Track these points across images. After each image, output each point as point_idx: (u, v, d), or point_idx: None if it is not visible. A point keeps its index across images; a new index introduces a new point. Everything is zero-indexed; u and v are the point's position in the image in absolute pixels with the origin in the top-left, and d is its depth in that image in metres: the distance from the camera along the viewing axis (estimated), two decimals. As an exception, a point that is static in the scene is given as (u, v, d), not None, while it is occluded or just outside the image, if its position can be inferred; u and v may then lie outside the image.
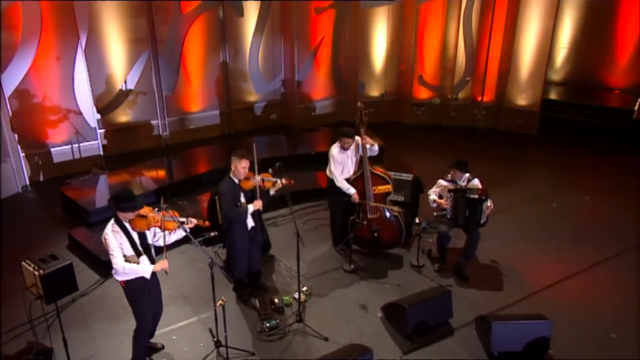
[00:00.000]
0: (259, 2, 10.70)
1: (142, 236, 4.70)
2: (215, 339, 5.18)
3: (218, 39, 10.50)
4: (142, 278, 4.69)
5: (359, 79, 11.55)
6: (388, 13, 11.26)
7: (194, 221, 4.87)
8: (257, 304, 5.92)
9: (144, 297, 4.88)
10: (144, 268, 4.65)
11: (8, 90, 8.36)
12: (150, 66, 9.93)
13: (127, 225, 4.62)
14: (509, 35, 10.93)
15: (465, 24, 11.00)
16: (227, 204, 5.55)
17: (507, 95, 11.36)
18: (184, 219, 4.79)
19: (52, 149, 9.02)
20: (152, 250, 4.84)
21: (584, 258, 6.84)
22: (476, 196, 6.28)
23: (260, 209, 5.70)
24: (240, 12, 10.62)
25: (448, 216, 6.50)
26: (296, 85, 11.26)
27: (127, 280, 4.69)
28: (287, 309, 5.91)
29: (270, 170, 5.73)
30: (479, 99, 11.56)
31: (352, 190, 6.57)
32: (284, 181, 5.72)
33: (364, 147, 6.48)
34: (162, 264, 4.70)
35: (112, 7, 9.26)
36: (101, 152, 9.48)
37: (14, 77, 8.37)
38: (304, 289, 6.15)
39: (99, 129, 9.54)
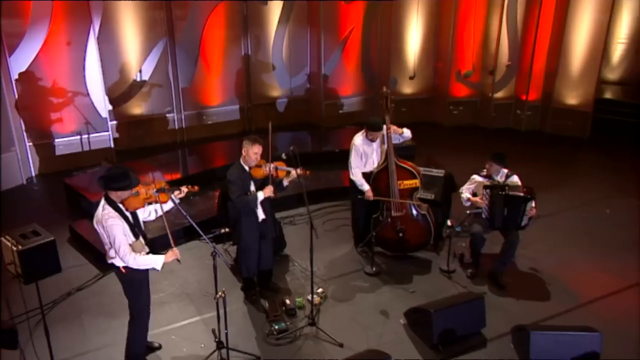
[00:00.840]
0: (285, -11, 10.66)
1: (134, 216, 4.59)
2: (216, 340, 4.98)
3: (240, 28, 10.46)
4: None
5: (390, 75, 11.33)
6: (424, 3, 11.04)
7: (185, 189, 4.79)
8: (267, 305, 5.73)
9: (144, 287, 4.81)
10: (155, 259, 4.53)
11: (15, 76, 8.45)
12: (167, 56, 9.94)
13: (121, 206, 4.51)
14: (558, 27, 10.55)
15: (509, 14, 10.69)
16: (236, 192, 5.38)
17: (555, 94, 10.95)
18: (175, 189, 4.73)
19: (60, 140, 9.08)
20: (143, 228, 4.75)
21: (638, 269, 6.42)
22: (521, 194, 5.93)
23: (272, 196, 5.50)
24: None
25: (483, 216, 6.18)
26: (322, 80, 11.11)
27: (131, 269, 4.57)
28: (300, 312, 5.70)
29: (283, 156, 5.54)
30: (524, 97, 11.18)
31: (365, 187, 6.34)
32: (299, 171, 5.52)
33: (388, 138, 6.24)
34: (174, 253, 4.58)
35: (128, -8, 9.34)
36: (112, 145, 9.51)
37: (21, 63, 8.46)
38: (319, 290, 5.94)
39: (111, 120, 9.58)
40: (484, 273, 6.29)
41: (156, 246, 6.87)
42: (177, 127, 10.50)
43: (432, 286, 6.13)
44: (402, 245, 6.45)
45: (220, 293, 4.48)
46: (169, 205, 4.81)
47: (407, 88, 11.65)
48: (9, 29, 8.23)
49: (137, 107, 10.06)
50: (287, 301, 5.76)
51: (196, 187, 4.93)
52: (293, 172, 5.53)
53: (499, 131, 11.20)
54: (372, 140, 6.36)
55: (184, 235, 7.07)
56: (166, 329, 5.45)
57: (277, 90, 11.29)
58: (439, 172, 6.91)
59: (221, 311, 4.68)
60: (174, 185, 4.83)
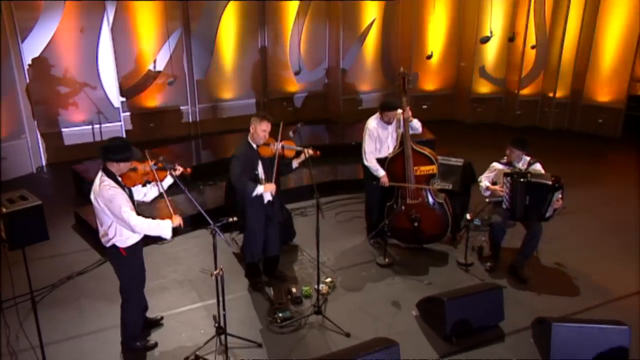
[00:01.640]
0: (304, -20, 10.56)
1: (130, 194, 4.48)
2: (216, 325, 4.79)
3: (257, 19, 10.38)
4: (140, 242, 4.55)
5: (412, 70, 11.10)
6: (446, -4, 10.87)
7: (180, 168, 4.63)
8: (272, 292, 5.53)
9: (140, 269, 4.75)
10: (164, 224, 4.39)
11: (27, 62, 8.47)
12: (182, 46, 9.89)
13: (120, 179, 4.38)
14: (589, 21, 10.24)
15: (537, 6, 10.40)
16: (238, 168, 5.17)
17: (585, 90, 10.59)
18: (171, 165, 4.59)
19: (71, 129, 9.07)
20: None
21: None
22: (548, 182, 5.63)
23: (273, 193, 5.30)
24: (283, -9, 10.50)
25: (504, 206, 5.89)
26: (340, 75, 10.95)
27: (129, 247, 4.46)
28: (306, 302, 5.48)
29: (290, 134, 5.36)
30: (551, 94, 10.84)
31: (381, 172, 6.11)
32: (310, 151, 5.32)
33: (405, 121, 6.01)
34: (178, 219, 4.45)
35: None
36: (124, 136, 9.46)
37: (33, 49, 8.48)
38: (328, 280, 5.72)
39: (124, 112, 9.54)
40: (504, 267, 5.99)
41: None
42: (191, 120, 10.44)
43: (448, 278, 5.86)
44: (417, 236, 6.20)
45: (217, 270, 4.29)
46: (167, 183, 4.67)
47: (429, 84, 11.42)
48: (23, 14, 8.26)
49: (151, 99, 10.02)
50: (294, 290, 5.55)
51: (189, 170, 4.76)
52: (303, 153, 5.33)
53: (524, 129, 10.84)
54: (388, 123, 6.15)
55: (191, 223, 6.92)
56: (166, 314, 5.28)
57: (294, 84, 11.16)
58: (457, 161, 6.67)
59: (222, 300, 4.49)
60: (169, 165, 4.67)
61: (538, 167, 5.96)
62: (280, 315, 5.16)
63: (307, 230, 6.68)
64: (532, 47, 10.68)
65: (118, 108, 9.34)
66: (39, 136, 8.84)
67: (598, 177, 8.68)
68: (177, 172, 4.60)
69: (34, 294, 5.24)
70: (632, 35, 9.93)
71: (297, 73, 10.98)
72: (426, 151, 6.08)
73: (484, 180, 6.05)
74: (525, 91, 11.00)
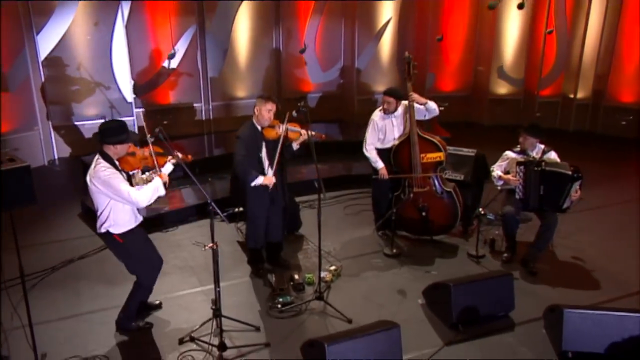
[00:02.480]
0: (320, -22, 10.53)
1: (128, 178, 4.41)
2: (213, 307, 4.65)
3: (272, 17, 10.37)
4: (138, 228, 4.52)
5: (428, 70, 10.97)
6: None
7: (180, 155, 4.56)
8: (273, 278, 5.39)
9: (144, 243, 4.66)
10: (157, 184, 4.33)
11: (41, 56, 8.53)
12: (196, 43, 9.90)
13: (117, 163, 4.32)
14: (612, 20, 10.01)
15: (557, 3, 10.22)
16: (242, 151, 5.10)
17: (607, 92, 10.33)
18: (168, 153, 4.52)
19: (83, 122, 9.09)
20: None
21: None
22: (568, 172, 5.41)
23: (270, 185, 5.18)
24: (298, -11, 10.48)
25: (517, 196, 5.68)
26: (355, 75, 10.85)
27: (125, 234, 4.40)
28: (309, 288, 5.32)
29: (294, 114, 5.28)
30: (572, 95, 10.59)
31: (379, 164, 6.03)
32: (312, 133, 5.23)
33: (410, 108, 5.89)
34: (162, 175, 4.41)
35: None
36: (136, 132, 9.45)
37: (48, 43, 8.54)
38: (332, 268, 5.57)
39: (136, 108, 9.56)
40: (518, 260, 5.77)
41: (165, 221, 6.78)
42: (204, 118, 10.41)
43: (458, 269, 5.64)
44: (425, 226, 6.02)
45: (212, 244, 4.18)
46: (167, 169, 4.56)
47: (446, 85, 11.25)
48: (38, 6, 8.34)
49: (164, 96, 10.03)
50: (296, 276, 5.41)
51: (189, 157, 4.71)
52: (304, 134, 5.24)
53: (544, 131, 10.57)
54: (390, 112, 6.10)
55: (196, 212, 6.88)
56: (164, 297, 5.17)
57: (308, 84, 11.09)
58: (469, 152, 6.48)
59: (217, 278, 4.38)
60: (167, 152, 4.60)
61: (553, 155, 5.76)
62: (281, 300, 5.02)
63: (313, 222, 6.43)
64: (549, 33, 10.38)
65: (131, 103, 9.36)
66: (51, 129, 8.88)
67: (620, 177, 8.38)
68: (174, 160, 4.51)
69: (33, 276, 5.32)
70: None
71: (302, 51, 10.71)
72: (435, 139, 5.93)
73: (496, 170, 5.86)
74: (545, 92, 10.76)
